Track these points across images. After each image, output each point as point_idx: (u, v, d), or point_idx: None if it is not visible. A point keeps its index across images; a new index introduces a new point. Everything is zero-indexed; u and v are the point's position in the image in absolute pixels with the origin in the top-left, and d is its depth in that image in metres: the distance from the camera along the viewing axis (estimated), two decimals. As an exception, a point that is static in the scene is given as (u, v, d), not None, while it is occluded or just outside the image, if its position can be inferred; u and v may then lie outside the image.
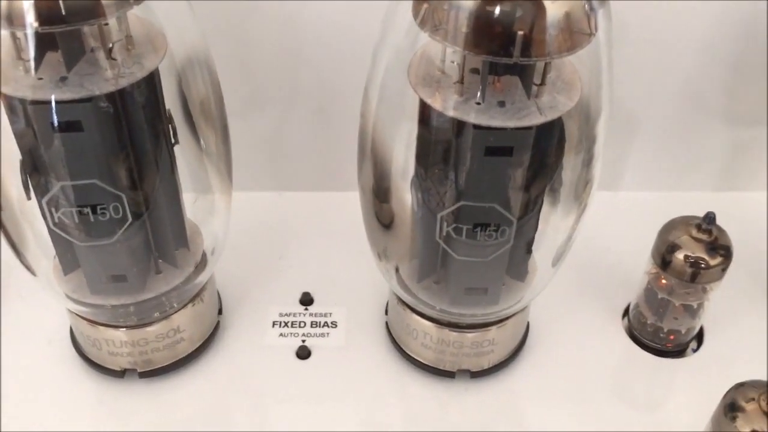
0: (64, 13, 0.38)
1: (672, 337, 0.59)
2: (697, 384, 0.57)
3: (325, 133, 0.69)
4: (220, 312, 0.60)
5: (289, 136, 0.69)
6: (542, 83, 0.42)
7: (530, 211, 0.47)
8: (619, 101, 0.67)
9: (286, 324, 0.60)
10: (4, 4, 0.38)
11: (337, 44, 0.63)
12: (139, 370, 0.55)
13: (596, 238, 0.66)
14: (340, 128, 0.67)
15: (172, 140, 0.49)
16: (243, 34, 0.63)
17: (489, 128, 0.41)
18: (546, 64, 0.42)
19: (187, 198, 0.53)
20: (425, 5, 0.40)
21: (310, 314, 0.61)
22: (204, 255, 0.55)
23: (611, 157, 0.71)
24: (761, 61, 0.65)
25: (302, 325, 0.60)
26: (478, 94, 0.42)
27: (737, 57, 0.65)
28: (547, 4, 0.38)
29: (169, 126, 0.48)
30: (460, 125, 0.43)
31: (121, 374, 0.55)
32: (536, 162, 0.44)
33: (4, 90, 0.41)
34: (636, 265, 0.59)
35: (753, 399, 0.44)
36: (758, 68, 0.66)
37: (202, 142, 0.52)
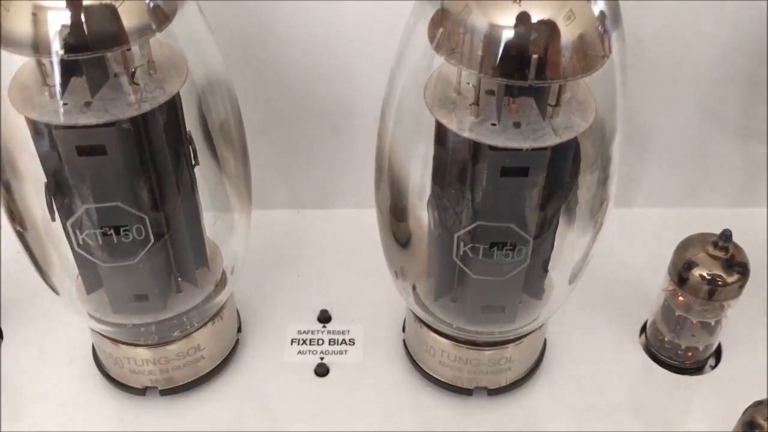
0: (88, 40, 0.39)
1: (690, 354, 0.59)
2: (716, 401, 0.57)
3: (342, 152, 0.70)
4: (239, 330, 0.61)
5: (307, 154, 0.70)
6: (557, 104, 0.43)
7: (546, 230, 0.47)
8: (635, 118, 0.68)
9: (304, 341, 0.61)
10: (30, 32, 0.39)
11: (353, 64, 0.64)
12: (160, 388, 0.56)
13: (613, 255, 0.67)
14: (357, 146, 0.68)
15: (193, 162, 0.50)
16: (262, 55, 0.64)
17: (505, 149, 0.42)
18: (561, 85, 0.42)
19: (207, 218, 0.54)
20: (441, 29, 0.41)
21: (329, 332, 0.62)
22: (224, 274, 0.56)
23: (627, 173, 0.71)
24: (777, 77, 0.65)
25: (320, 342, 0.61)
26: (494, 115, 0.43)
27: (752, 73, 0.65)
28: (561, 27, 0.39)
29: (190, 148, 0.49)
30: (476, 146, 0.43)
31: (142, 392, 0.56)
32: (552, 182, 0.44)
33: (31, 115, 0.42)
34: (653, 281, 0.59)
35: (772, 417, 0.44)
36: (773, 84, 0.66)
37: (222, 162, 0.53)
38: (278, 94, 0.66)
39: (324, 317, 0.63)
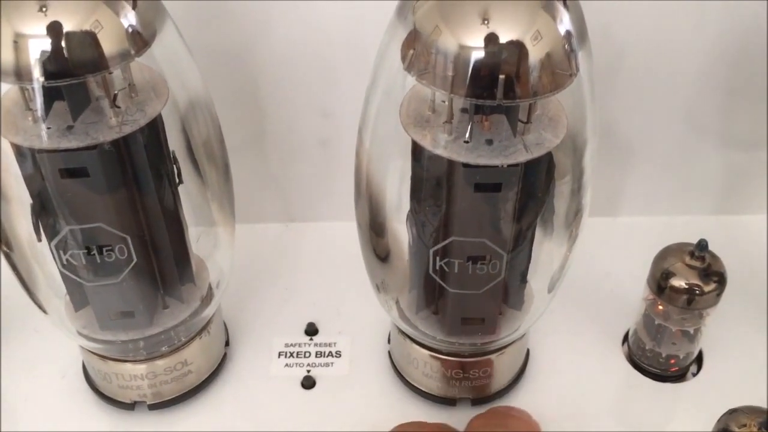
0: (69, 67, 0.40)
1: (672, 361, 0.59)
2: (698, 408, 0.58)
3: (329, 165, 0.71)
4: (227, 344, 0.61)
5: (292, 168, 0.71)
6: (528, 121, 0.44)
7: (520, 243, 0.48)
8: (617, 127, 0.69)
9: (291, 354, 0.62)
10: (12, 59, 0.40)
11: (339, 77, 0.65)
12: (148, 403, 0.57)
13: (596, 264, 0.67)
14: (344, 160, 0.68)
15: (176, 181, 0.51)
16: (248, 69, 0.65)
17: (477, 166, 0.43)
18: (531, 103, 0.43)
19: (192, 234, 0.55)
20: (412, 50, 0.42)
21: (315, 344, 0.63)
22: (210, 288, 0.57)
23: (610, 182, 0.72)
24: (758, 85, 0.66)
25: (307, 355, 0.62)
26: (467, 132, 0.44)
27: (734, 82, 0.66)
28: (529, 47, 0.40)
29: (174, 167, 0.50)
30: (450, 163, 0.44)
31: (131, 407, 0.57)
32: (524, 197, 0.45)
33: (15, 140, 0.43)
34: (635, 290, 0.60)
35: (745, 425, 0.45)
36: (755, 92, 0.66)
37: (205, 180, 0.54)
38: (265, 108, 0.67)
39: (311, 330, 0.64)
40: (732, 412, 0.46)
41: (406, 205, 0.49)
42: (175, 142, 0.50)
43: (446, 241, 0.47)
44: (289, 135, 0.69)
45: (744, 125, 0.69)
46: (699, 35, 0.63)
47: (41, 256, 0.49)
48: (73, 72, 0.41)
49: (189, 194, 0.53)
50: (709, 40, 0.64)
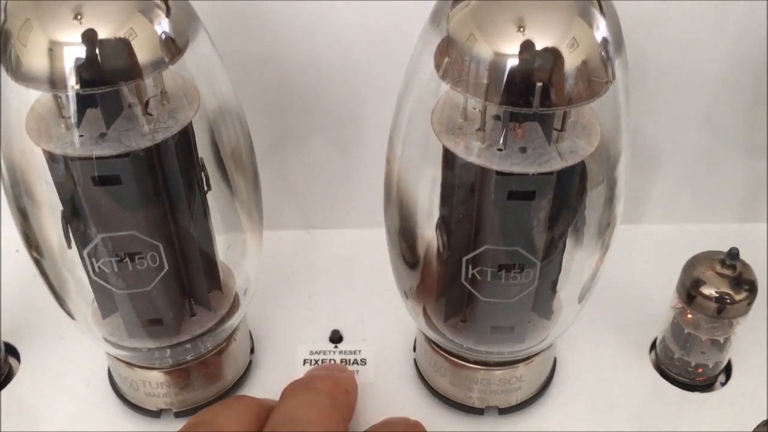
0: (104, 75, 0.40)
1: (700, 370, 0.59)
2: (726, 418, 0.57)
3: (352, 171, 0.71)
4: (252, 351, 0.61)
5: (317, 175, 0.71)
6: (562, 129, 0.43)
7: (553, 252, 0.48)
8: (641, 134, 0.68)
9: (316, 362, 0.62)
10: (47, 67, 0.40)
11: (361, 85, 0.65)
12: (174, 410, 0.56)
13: (622, 272, 0.67)
14: (367, 166, 0.69)
15: (206, 188, 0.51)
16: (272, 77, 0.65)
17: (511, 174, 0.43)
18: (565, 111, 0.43)
19: (220, 242, 0.55)
20: (446, 58, 0.42)
21: (340, 352, 0.62)
22: (236, 296, 0.57)
23: (634, 190, 0.71)
24: (782, 92, 0.66)
25: (332, 362, 0.61)
26: (500, 140, 0.43)
27: (757, 88, 0.66)
28: (565, 54, 0.39)
29: (203, 174, 0.50)
30: (482, 171, 0.44)
31: (157, 414, 0.57)
32: (558, 205, 0.45)
33: (48, 147, 0.43)
34: (662, 298, 0.60)
35: (781, 436, 0.45)
36: (779, 99, 0.66)
37: (233, 187, 0.54)
38: (288, 115, 0.67)
39: (335, 337, 0.63)
40: (767, 423, 0.46)
41: (436, 212, 0.49)
42: (205, 149, 0.50)
43: (479, 250, 0.46)
44: (311, 141, 0.69)
45: (768, 132, 0.69)
46: (721, 42, 0.63)
47: (71, 262, 0.49)
48: (107, 80, 0.41)
49: (218, 201, 0.52)
50: (732, 47, 0.63)
